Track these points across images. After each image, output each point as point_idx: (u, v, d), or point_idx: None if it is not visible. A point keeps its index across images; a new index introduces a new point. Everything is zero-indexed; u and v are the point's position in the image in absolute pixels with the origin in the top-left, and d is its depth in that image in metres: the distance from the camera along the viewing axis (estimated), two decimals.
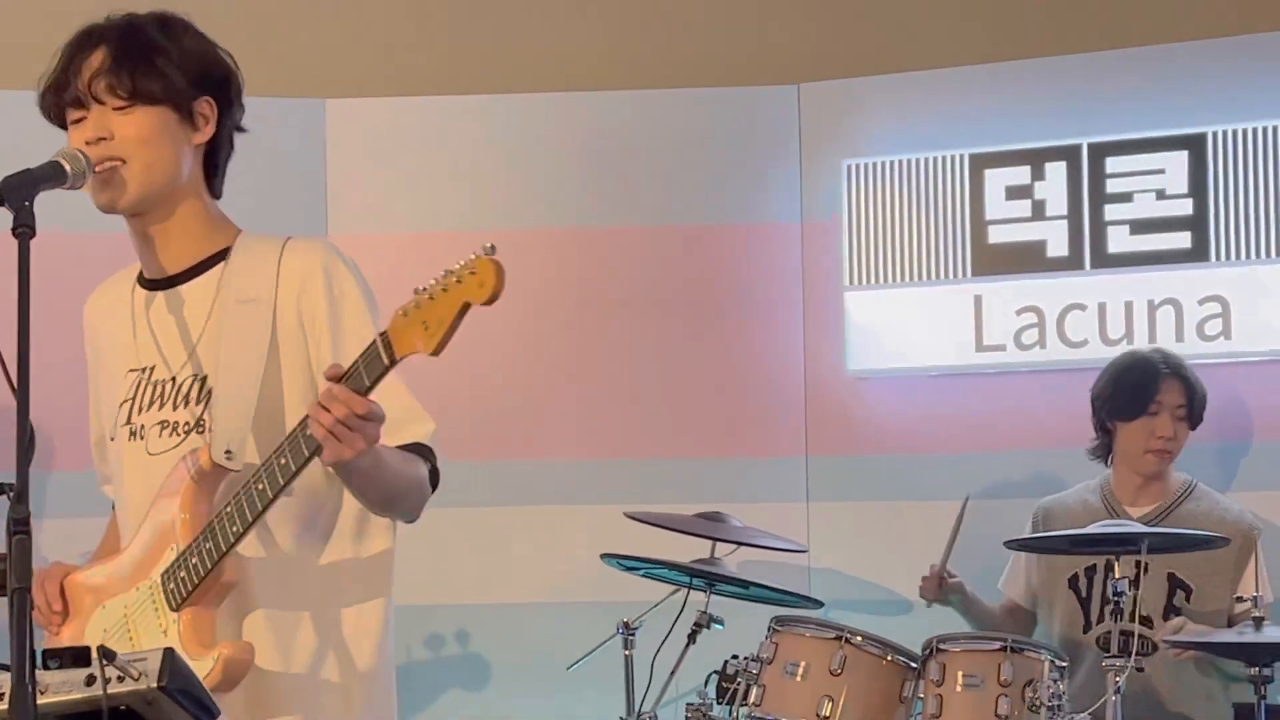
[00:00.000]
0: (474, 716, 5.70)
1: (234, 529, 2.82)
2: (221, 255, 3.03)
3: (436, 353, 2.69)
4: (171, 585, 2.88)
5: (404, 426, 2.96)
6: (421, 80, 5.92)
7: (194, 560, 2.85)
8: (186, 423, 2.99)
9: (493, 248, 2.66)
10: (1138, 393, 5.03)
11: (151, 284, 3.08)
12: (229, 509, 2.83)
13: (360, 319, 3.00)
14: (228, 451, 2.89)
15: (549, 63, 5.98)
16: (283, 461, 2.77)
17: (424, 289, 2.67)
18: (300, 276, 2.99)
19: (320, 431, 2.69)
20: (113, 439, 3.07)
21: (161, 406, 3.01)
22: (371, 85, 5.90)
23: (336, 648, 3.00)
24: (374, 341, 2.70)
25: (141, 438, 3.03)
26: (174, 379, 3.02)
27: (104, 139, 2.92)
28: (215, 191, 3.09)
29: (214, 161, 3.07)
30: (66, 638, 3.05)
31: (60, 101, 2.98)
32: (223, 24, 3.09)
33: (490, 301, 2.65)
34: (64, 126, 3.01)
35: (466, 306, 2.65)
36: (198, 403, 2.98)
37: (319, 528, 3.02)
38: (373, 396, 2.73)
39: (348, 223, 5.79)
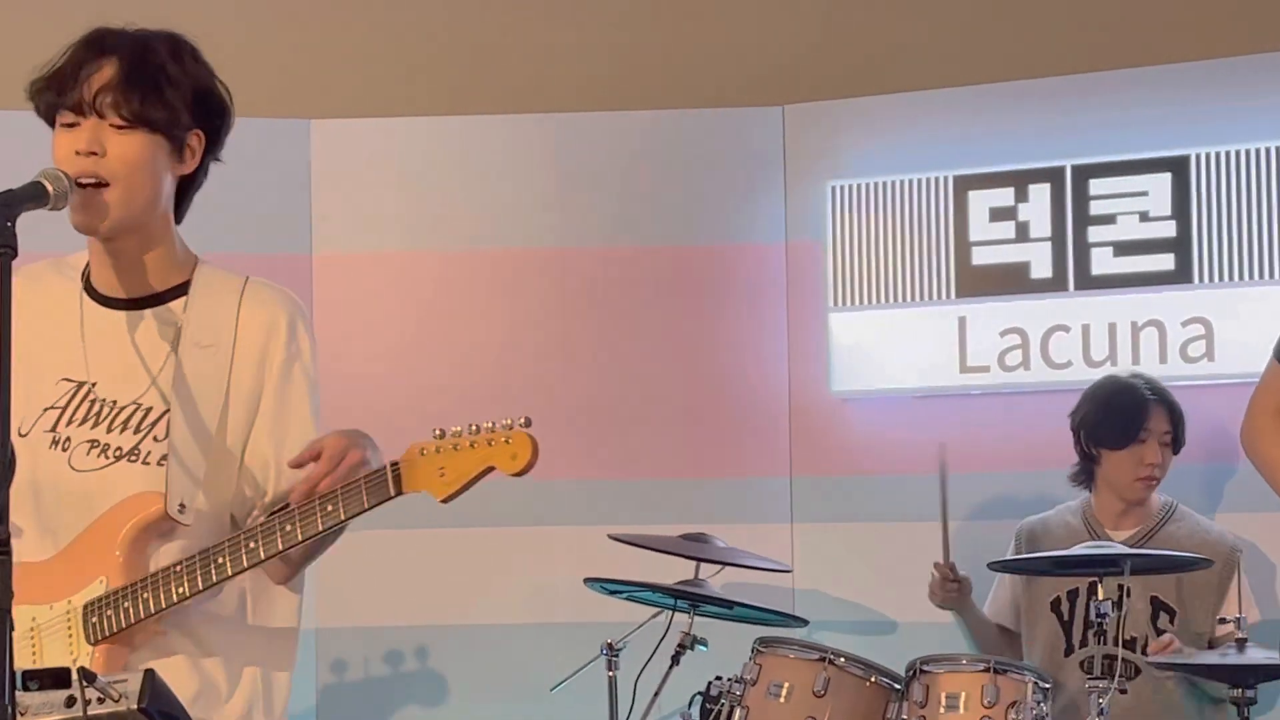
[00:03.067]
0: None
1: (179, 590, 2.85)
2: (182, 289, 3.03)
3: (445, 502, 2.75)
4: (95, 619, 2.90)
5: None
6: (407, 101, 5.93)
7: (126, 604, 2.88)
8: (119, 448, 2.98)
9: (528, 421, 2.71)
10: (1126, 422, 5.03)
11: (106, 300, 3.06)
12: (179, 569, 2.85)
13: (304, 385, 3.02)
14: (181, 506, 2.91)
15: (534, 84, 5.98)
16: (251, 545, 2.82)
17: (449, 435, 2.73)
18: (264, 325, 3.00)
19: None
20: (23, 435, 3.01)
21: (95, 426, 3.00)
22: (356, 106, 5.90)
23: (244, 700, 3.02)
24: (384, 467, 2.75)
25: (65, 449, 3.00)
26: (115, 402, 3.00)
27: (95, 154, 2.91)
28: (179, 219, 3.08)
29: (187, 191, 3.07)
30: None
31: (56, 100, 2.96)
32: (208, 44, 3.08)
33: (519, 475, 2.71)
34: (50, 121, 2.98)
35: (490, 470, 2.71)
36: (136, 432, 2.97)
37: (263, 597, 3.04)
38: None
39: (332, 243, 5.80)
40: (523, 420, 2.70)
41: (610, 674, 4.99)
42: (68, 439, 3.01)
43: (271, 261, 5.38)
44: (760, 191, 5.76)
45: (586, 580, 5.03)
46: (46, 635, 2.92)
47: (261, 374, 2.99)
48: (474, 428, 2.72)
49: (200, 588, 2.84)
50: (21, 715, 2.36)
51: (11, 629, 2.35)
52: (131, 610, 2.87)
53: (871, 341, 5.61)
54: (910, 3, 5.90)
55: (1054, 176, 5.47)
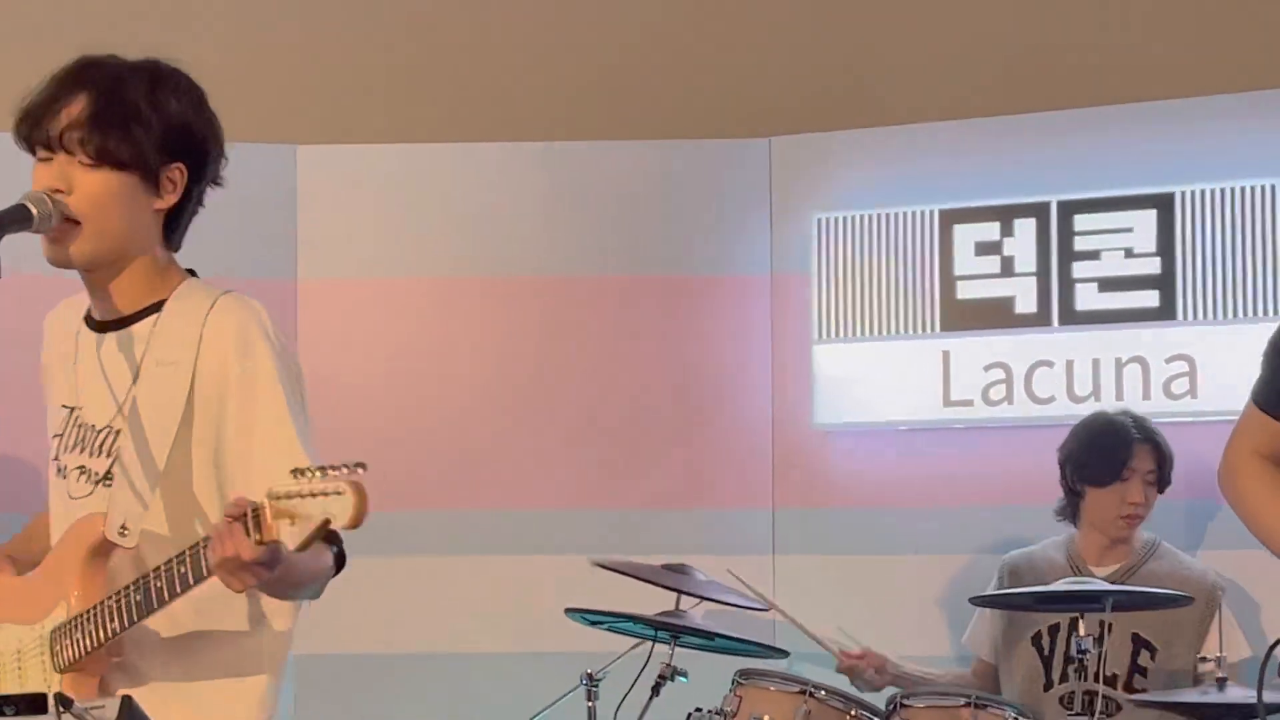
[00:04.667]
0: None
1: (112, 626, 2.83)
2: (154, 309, 3.01)
3: (299, 551, 2.63)
4: (58, 646, 2.90)
5: None
6: (393, 128, 5.93)
7: (78, 634, 2.87)
8: (96, 472, 2.98)
9: (362, 466, 2.59)
10: (1111, 459, 5.03)
11: (94, 324, 3.06)
12: (114, 602, 2.83)
13: (270, 394, 2.93)
14: (123, 528, 2.88)
15: (521, 112, 5.99)
16: (182, 570, 2.77)
17: (300, 478, 2.61)
18: (220, 344, 2.94)
19: (213, 560, 2.69)
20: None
21: (82, 451, 3.01)
22: (343, 132, 5.90)
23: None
24: (246, 511, 2.65)
25: (64, 477, 3.02)
26: (94, 426, 3.00)
27: (61, 191, 2.90)
28: (174, 245, 3.05)
29: (177, 220, 3.04)
30: None
31: (26, 132, 2.95)
32: (194, 69, 3.07)
33: (352, 528, 2.58)
34: (31, 151, 2.97)
35: (327, 523, 2.59)
36: (107, 455, 2.97)
37: (218, 607, 2.97)
38: (277, 473, 2.68)
39: (318, 268, 5.79)
40: (356, 466, 2.59)
41: (590, 704, 4.97)
42: (64, 466, 3.03)
43: (257, 286, 5.26)
44: (746, 223, 5.76)
45: (568, 610, 5.01)
46: (27, 659, 2.92)
47: (221, 390, 2.92)
48: (323, 471, 2.60)
49: (136, 618, 2.81)
50: None
51: None
52: (83, 639, 2.87)
53: (856, 374, 5.60)
54: (898, 37, 5.91)
55: (1039, 211, 5.47)
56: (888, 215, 5.61)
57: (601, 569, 4.96)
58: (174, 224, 3.04)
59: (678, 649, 4.88)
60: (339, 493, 2.56)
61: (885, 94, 5.86)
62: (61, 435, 3.04)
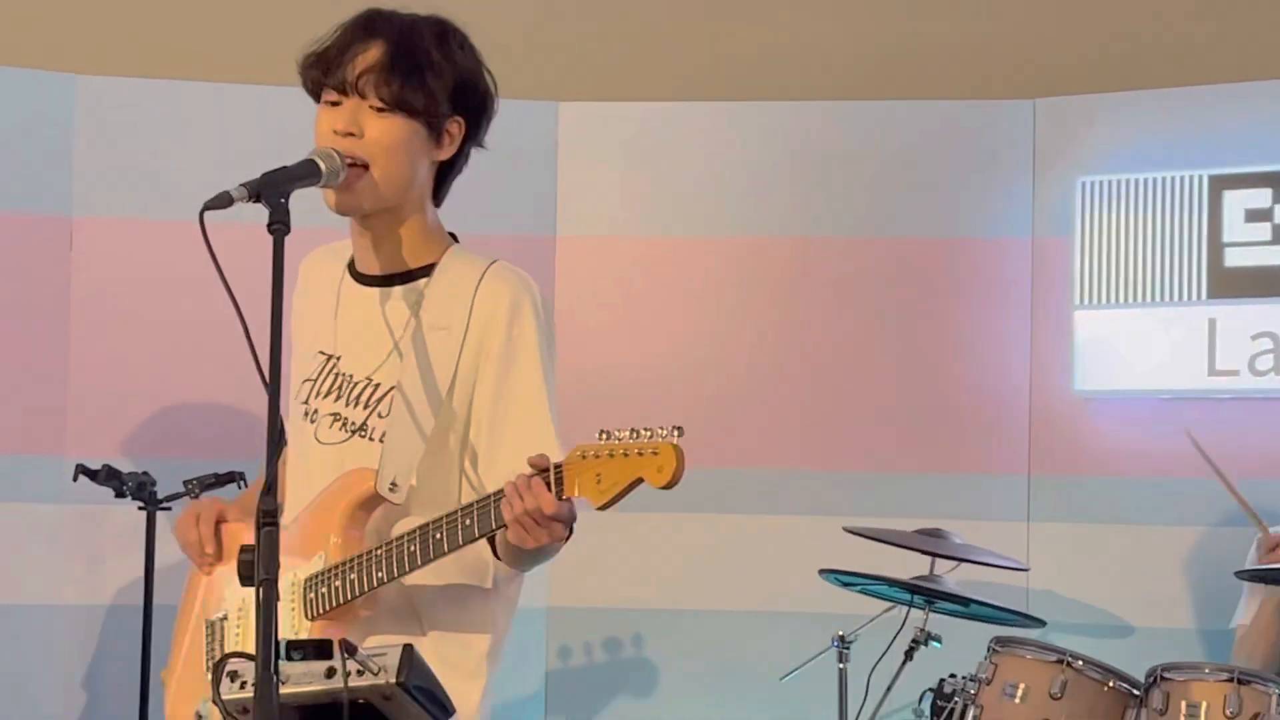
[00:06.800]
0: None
1: (378, 575, 2.88)
2: (427, 270, 3.06)
3: (602, 509, 2.72)
4: (312, 595, 2.95)
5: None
6: (657, 85, 5.95)
7: (337, 583, 2.92)
8: (353, 423, 3.03)
9: (680, 431, 2.67)
10: None
11: (360, 277, 3.11)
12: (383, 552, 2.88)
13: (529, 368, 2.99)
14: (393, 484, 2.93)
15: (786, 70, 5.97)
16: (466, 523, 2.81)
17: (609, 439, 2.70)
18: (489, 311, 2.99)
19: (509, 515, 2.75)
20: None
21: (338, 399, 3.05)
22: (606, 89, 5.93)
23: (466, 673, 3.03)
24: (549, 468, 2.73)
25: (313, 422, 3.07)
26: (351, 376, 3.05)
27: (353, 135, 2.95)
28: (438, 202, 3.11)
29: (446, 176, 3.10)
30: (218, 579, 3.11)
31: (322, 78, 3.01)
32: (467, 29, 3.11)
33: (666, 488, 2.65)
34: (315, 97, 3.04)
35: (639, 482, 2.66)
36: (365, 407, 3.02)
37: (471, 565, 3.03)
38: (527, 446, 2.81)
39: (576, 226, 5.83)
40: (674, 430, 2.65)
41: (841, 666, 4.98)
42: (315, 411, 3.08)
43: (516, 242, 5.42)
44: (1008, 185, 5.70)
45: (822, 571, 5.01)
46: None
47: (484, 357, 2.98)
48: (634, 432, 2.67)
49: (403, 572, 2.87)
50: (283, 684, 2.39)
51: (277, 599, 2.40)
52: (341, 589, 2.91)
53: (1117, 341, 5.51)
54: None
55: None
56: (1154, 180, 5.50)
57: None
58: (442, 180, 3.10)
59: (931, 615, 4.86)
60: (655, 453, 2.63)
61: (1154, 55, 5.75)
62: (314, 380, 3.09)
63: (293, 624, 2.94)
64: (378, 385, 3.02)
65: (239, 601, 3.04)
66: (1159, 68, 5.69)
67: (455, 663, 2.97)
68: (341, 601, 2.91)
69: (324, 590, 2.92)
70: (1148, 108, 5.60)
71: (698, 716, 5.69)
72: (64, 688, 5.53)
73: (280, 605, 2.91)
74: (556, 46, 6.02)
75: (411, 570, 2.87)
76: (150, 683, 5.09)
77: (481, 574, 3.02)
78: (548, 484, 2.72)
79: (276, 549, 2.40)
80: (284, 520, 3.00)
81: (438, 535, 2.83)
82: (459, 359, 2.98)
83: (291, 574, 2.95)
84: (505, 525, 2.77)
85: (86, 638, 5.51)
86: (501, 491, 2.76)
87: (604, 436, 2.70)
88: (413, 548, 2.85)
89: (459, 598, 3.02)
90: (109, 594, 5.50)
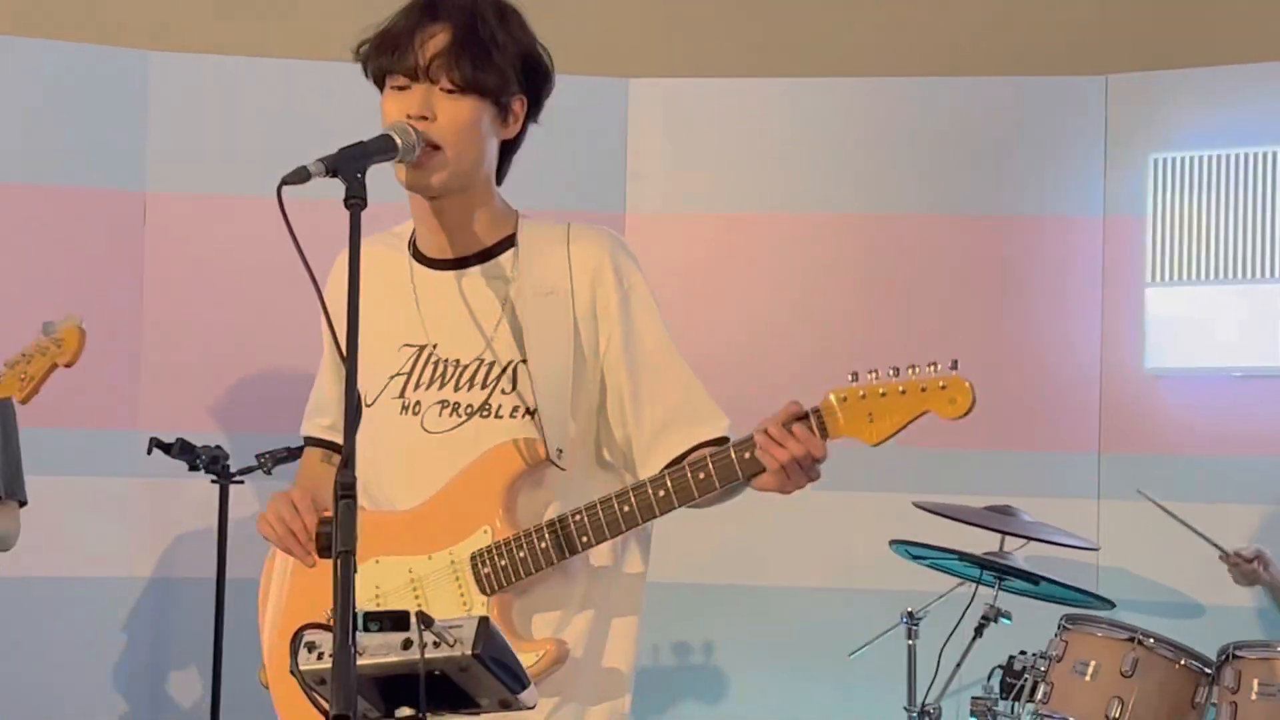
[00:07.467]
0: (756, 695, 5.71)
1: (583, 539, 2.90)
2: (507, 242, 3.06)
3: (876, 445, 2.78)
4: (488, 570, 2.93)
5: (706, 421, 3.02)
6: (726, 61, 5.94)
7: (522, 554, 2.91)
8: (470, 405, 3.01)
9: (955, 364, 2.74)
10: None
11: (432, 262, 3.10)
12: (580, 518, 2.89)
13: (649, 314, 3.05)
14: (559, 451, 2.95)
15: (856, 46, 5.95)
16: (701, 477, 2.84)
17: (869, 380, 2.76)
18: (591, 268, 3.01)
19: (773, 463, 2.78)
20: (369, 404, 3.07)
21: (443, 386, 3.04)
22: (675, 65, 5.93)
23: (601, 654, 3.05)
24: (807, 415, 2.79)
25: (416, 414, 3.04)
26: (458, 361, 3.04)
27: (425, 118, 2.95)
28: (500, 179, 3.11)
29: (508, 154, 3.09)
30: (321, 573, 3.10)
31: (389, 64, 2.99)
32: (527, 4, 3.11)
33: (959, 419, 2.72)
34: (379, 83, 3.02)
35: (924, 414, 2.73)
36: (483, 388, 3.01)
37: (635, 544, 3.06)
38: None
39: (644, 202, 5.83)
40: (952, 363, 2.73)
41: (910, 642, 4.98)
42: (417, 403, 3.05)
43: (584, 219, 5.39)
44: (1080, 162, 5.67)
45: (892, 542, 5.01)
46: (431, 585, 2.97)
47: (599, 320, 3.01)
48: (895, 371, 2.75)
49: (607, 536, 2.89)
50: (360, 655, 2.40)
51: (354, 571, 2.41)
52: (529, 560, 2.91)
53: (1189, 318, 5.49)
54: None
55: None
56: (1227, 156, 5.47)
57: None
58: (505, 158, 3.10)
59: (1000, 592, 4.85)
60: (944, 386, 2.71)
61: (1226, 32, 5.71)
62: (408, 374, 3.07)
63: (463, 599, 2.94)
64: (491, 364, 3.01)
65: (407, 577, 3.04)
66: (1230, 43, 5.65)
67: (612, 641, 3.02)
68: (519, 576, 2.92)
69: (504, 564, 2.92)
70: (1220, 84, 5.57)
71: (766, 692, 5.70)
72: (137, 660, 5.58)
73: (436, 586, 2.93)
74: (626, 23, 6.02)
75: (602, 543, 2.90)
76: (222, 655, 5.13)
77: (640, 556, 3.06)
78: (809, 429, 2.77)
79: (354, 521, 2.40)
80: (405, 507, 3.03)
81: (625, 508, 2.86)
82: (575, 320, 3.00)
83: (447, 551, 2.96)
84: (742, 478, 2.81)
85: (159, 611, 5.56)
86: (743, 444, 2.81)
87: (854, 379, 2.77)
88: (625, 508, 2.88)
89: (615, 577, 3.05)
90: (182, 567, 5.54)
